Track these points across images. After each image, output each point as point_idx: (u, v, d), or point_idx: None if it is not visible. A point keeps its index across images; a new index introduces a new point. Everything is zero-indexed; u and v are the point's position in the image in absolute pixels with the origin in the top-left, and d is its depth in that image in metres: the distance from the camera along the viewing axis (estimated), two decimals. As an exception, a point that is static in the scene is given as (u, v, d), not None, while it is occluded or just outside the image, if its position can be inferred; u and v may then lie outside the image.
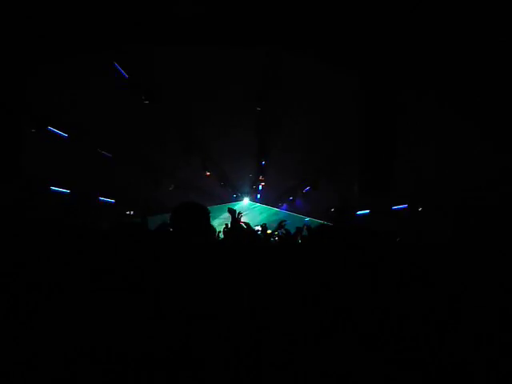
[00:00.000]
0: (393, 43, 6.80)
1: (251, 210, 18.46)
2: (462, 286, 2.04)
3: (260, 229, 7.01)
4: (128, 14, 6.10)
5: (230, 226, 3.71)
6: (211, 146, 13.53)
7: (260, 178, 16.45)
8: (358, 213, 10.81)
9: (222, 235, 5.06)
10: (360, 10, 6.10)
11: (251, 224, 4.52)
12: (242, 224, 4.00)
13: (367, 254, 2.25)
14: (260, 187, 17.35)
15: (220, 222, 12.00)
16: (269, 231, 7.12)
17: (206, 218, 2.50)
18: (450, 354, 1.61)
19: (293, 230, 4.59)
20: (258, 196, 18.22)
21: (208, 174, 15.84)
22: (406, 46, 6.78)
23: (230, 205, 18.33)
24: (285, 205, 17.87)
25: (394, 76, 7.55)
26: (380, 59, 7.34)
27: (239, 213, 4.01)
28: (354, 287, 1.65)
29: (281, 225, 4.95)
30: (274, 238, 6.24)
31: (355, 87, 7.98)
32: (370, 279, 1.79)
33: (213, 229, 3.71)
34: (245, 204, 18.83)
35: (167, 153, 13.32)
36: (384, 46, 6.95)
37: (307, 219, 16.02)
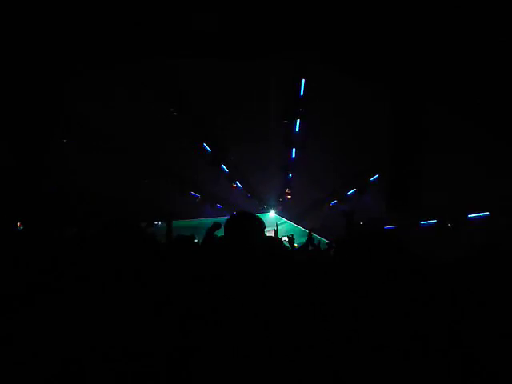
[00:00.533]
0: (421, 57, 6.74)
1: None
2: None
3: (287, 239, 6.92)
4: (145, 28, 6.21)
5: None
6: (238, 158, 13.59)
7: (287, 190, 16.42)
8: (386, 227, 10.68)
9: None
10: (387, 24, 6.07)
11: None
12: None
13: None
14: (286, 199, 17.32)
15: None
16: (295, 244, 7.05)
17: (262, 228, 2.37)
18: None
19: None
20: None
21: (234, 186, 15.90)
22: (434, 60, 6.71)
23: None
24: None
25: (422, 89, 7.48)
26: (408, 73, 7.29)
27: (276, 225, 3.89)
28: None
29: (310, 238, 4.81)
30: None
31: (384, 101, 7.93)
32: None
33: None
34: (271, 216, 18.76)
35: (194, 165, 13.42)
36: (412, 60, 6.90)
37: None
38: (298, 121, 10.35)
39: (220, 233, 2.80)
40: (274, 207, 18.55)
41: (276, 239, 3.97)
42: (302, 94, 9.12)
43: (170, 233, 4.84)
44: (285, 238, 7.51)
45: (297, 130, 10.77)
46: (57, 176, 9.17)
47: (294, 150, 12.34)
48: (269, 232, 17.00)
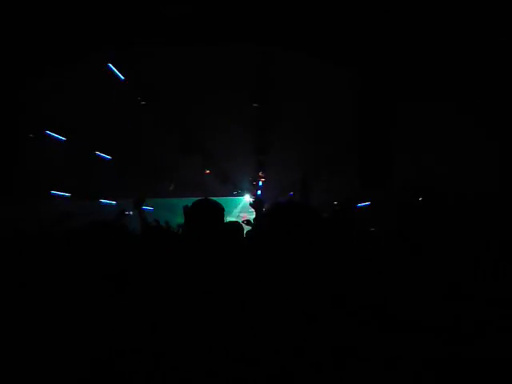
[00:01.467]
0: (393, 40, 6.78)
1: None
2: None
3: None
4: (116, 14, 6.08)
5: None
6: (210, 144, 13.52)
7: (260, 174, 16.41)
8: (359, 205, 10.77)
9: None
10: (359, 7, 6.08)
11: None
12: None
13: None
14: (260, 183, 17.31)
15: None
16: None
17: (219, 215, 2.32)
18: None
19: None
20: (259, 192, 18.19)
21: (208, 171, 15.84)
22: (406, 43, 6.76)
23: (236, 199, 18.34)
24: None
25: (393, 71, 7.53)
26: (379, 55, 7.32)
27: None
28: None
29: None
30: None
31: (354, 82, 7.97)
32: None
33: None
34: (246, 201, 18.77)
35: (166, 152, 13.30)
36: (384, 43, 6.93)
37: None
38: (268, 104, 10.32)
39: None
40: (248, 191, 18.55)
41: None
42: (270, 76, 9.07)
43: (144, 222, 4.45)
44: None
45: (266, 113, 10.74)
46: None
47: (265, 133, 12.32)
48: (244, 216, 17.05)
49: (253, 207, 4.51)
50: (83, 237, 1.84)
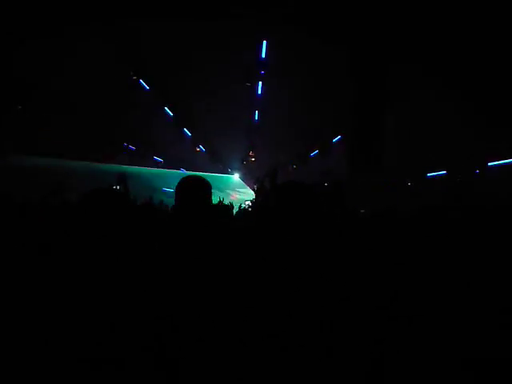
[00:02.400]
0: (382, 17, 6.75)
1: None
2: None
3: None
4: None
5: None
6: (202, 123, 13.45)
7: (250, 153, 16.40)
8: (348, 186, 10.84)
9: None
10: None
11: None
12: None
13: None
14: (250, 162, 17.29)
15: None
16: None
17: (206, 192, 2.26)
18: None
19: None
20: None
21: (197, 149, 15.81)
22: (395, 19, 6.73)
23: (225, 177, 18.32)
24: None
25: (383, 49, 7.52)
26: (369, 33, 7.30)
27: None
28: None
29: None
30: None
31: (346, 61, 7.95)
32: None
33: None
34: (235, 179, 18.79)
35: (158, 129, 13.23)
36: (373, 20, 6.90)
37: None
38: (260, 83, 10.28)
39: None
40: (237, 170, 18.55)
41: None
42: (264, 56, 9.02)
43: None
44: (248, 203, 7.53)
45: (259, 92, 10.71)
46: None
47: (256, 112, 12.29)
48: (233, 195, 17.07)
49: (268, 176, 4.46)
50: (87, 204, 1.77)
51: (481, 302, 1.75)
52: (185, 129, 13.94)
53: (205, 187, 2.23)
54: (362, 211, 5.23)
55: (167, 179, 15.15)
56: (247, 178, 18.23)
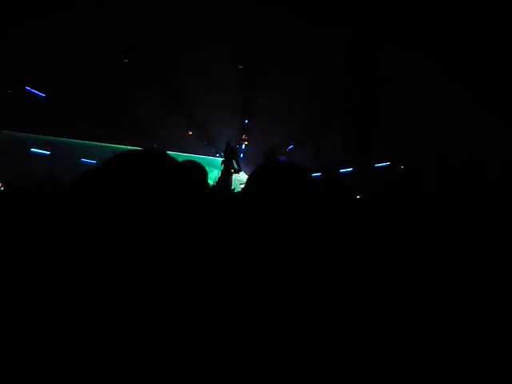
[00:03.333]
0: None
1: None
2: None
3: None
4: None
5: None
6: (194, 106, 13.37)
7: (243, 137, 16.35)
8: (342, 171, 10.88)
9: None
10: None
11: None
12: None
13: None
14: (243, 146, 17.25)
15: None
16: None
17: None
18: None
19: None
20: (242, 155, 18.18)
21: (190, 133, 15.70)
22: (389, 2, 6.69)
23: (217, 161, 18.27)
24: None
25: (377, 32, 7.46)
26: (363, 15, 7.24)
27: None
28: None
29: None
30: None
31: (339, 45, 7.88)
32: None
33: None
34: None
35: (149, 112, 13.15)
36: (366, 2, 6.85)
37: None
38: (253, 66, 10.20)
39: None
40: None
41: None
42: (255, 39, 8.93)
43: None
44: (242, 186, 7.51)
45: (251, 75, 10.63)
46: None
47: (249, 96, 12.22)
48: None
49: (265, 156, 4.43)
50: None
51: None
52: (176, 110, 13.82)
53: (203, 173, 2.18)
54: (358, 197, 5.24)
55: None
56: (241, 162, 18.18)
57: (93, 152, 15.38)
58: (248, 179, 1.62)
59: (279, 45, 8.78)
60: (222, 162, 7.75)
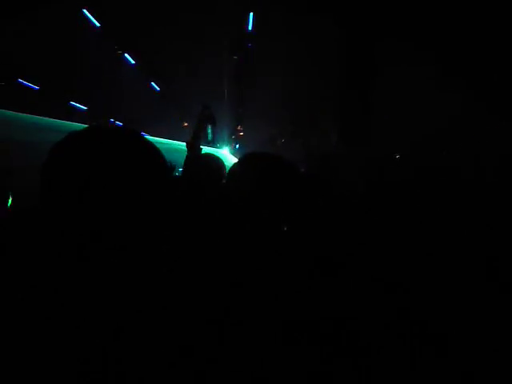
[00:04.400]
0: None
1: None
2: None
3: None
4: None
5: None
6: (189, 96, 13.29)
7: (238, 127, 16.27)
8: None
9: None
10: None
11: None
12: None
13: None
14: (237, 145, 17.19)
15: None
16: None
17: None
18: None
19: None
20: (237, 146, 18.07)
21: (185, 124, 15.60)
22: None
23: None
24: None
25: (372, 21, 7.43)
26: (357, 3, 7.20)
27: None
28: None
29: None
30: None
31: (333, 34, 7.84)
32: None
33: None
34: (225, 154, 18.64)
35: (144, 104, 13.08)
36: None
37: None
38: (247, 56, 10.15)
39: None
40: (227, 144, 18.39)
41: None
42: (250, 28, 8.88)
43: None
44: None
45: (246, 65, 10.58)
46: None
47: (244, 86, 12.18)
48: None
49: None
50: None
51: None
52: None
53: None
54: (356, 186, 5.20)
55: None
56: (238, 153, 18.11)
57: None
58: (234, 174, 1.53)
59: (273, 35, 8.72)
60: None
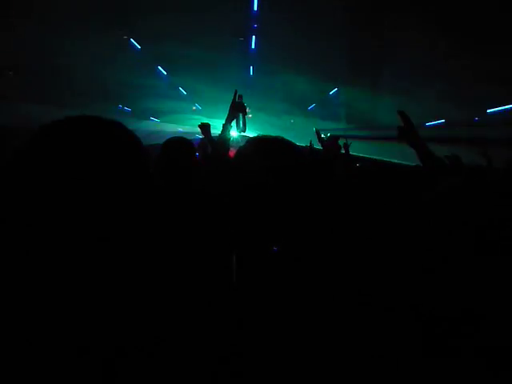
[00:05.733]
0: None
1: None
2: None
3: None
4: None
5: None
6: (197, 79, 13.33)
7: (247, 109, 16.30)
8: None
9: None
10: None
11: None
12: None
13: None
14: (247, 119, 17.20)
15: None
16: None
17: None
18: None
19: None
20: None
21: (194, 108, 15.83)
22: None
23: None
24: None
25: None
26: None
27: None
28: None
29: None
30: None
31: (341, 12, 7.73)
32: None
33: None
34: (234, 135, 18.64)
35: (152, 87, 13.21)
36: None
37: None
38: (254, 37, 10.04)
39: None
40: (234, 126, 18.44)
41: None
42: (256, 8, 8.75)
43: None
44: None
45: (253, 47, 10.49)
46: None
47: (251, 67, 12.13)
48: (232, 151, 17.04)
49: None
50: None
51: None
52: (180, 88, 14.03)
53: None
54: (358, 165, 5.19)
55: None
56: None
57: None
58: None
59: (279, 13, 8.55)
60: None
